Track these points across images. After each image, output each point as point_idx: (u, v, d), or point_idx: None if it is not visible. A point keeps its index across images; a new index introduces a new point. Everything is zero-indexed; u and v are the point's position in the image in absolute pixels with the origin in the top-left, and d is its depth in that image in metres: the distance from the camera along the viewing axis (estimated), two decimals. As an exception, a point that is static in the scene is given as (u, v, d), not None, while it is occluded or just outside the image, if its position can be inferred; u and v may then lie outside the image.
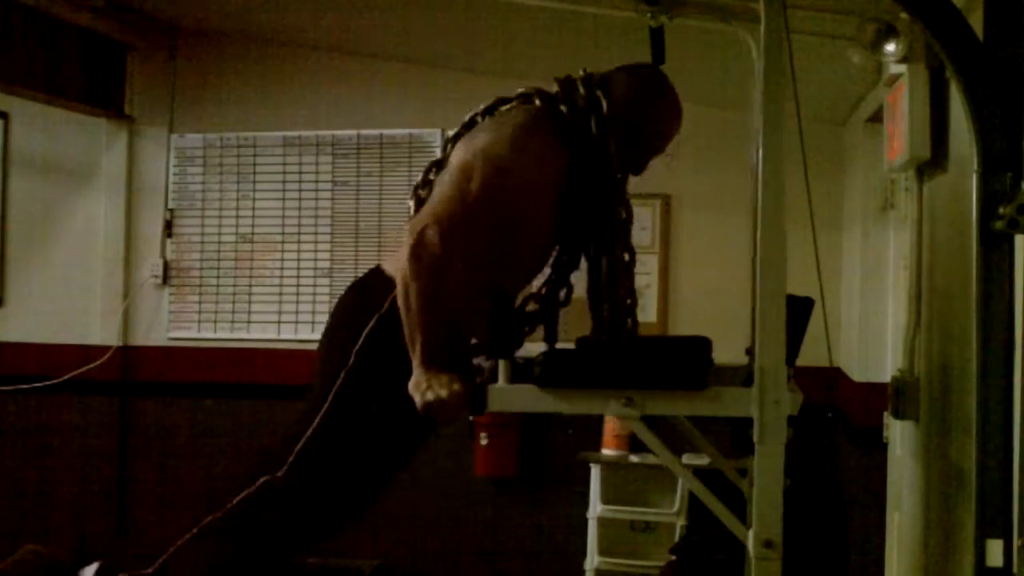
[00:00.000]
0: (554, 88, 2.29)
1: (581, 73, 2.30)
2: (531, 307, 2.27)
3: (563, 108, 2.24)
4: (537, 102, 2.26)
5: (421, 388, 2.03)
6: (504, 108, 2.29)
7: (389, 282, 2.16)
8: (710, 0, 2.22)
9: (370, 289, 2.25)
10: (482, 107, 2.31)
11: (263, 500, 2.18)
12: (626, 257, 2.38)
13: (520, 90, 2.30)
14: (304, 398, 2.26)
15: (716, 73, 3.59)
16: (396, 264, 2.19)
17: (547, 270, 2.38)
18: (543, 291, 2.37)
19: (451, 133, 2.32)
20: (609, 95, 2.26)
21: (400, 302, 2.07)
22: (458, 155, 2.20)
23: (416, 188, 2.35)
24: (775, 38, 1.88)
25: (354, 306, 2.28)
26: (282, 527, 2.21)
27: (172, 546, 2.18)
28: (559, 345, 2.32)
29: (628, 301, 2.41)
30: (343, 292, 2.37)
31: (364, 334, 2.19)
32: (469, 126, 2.29)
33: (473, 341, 2.17)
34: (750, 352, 2.04)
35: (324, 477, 2.20)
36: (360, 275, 2.37)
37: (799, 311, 2.04)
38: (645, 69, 2.36)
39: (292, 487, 2.18)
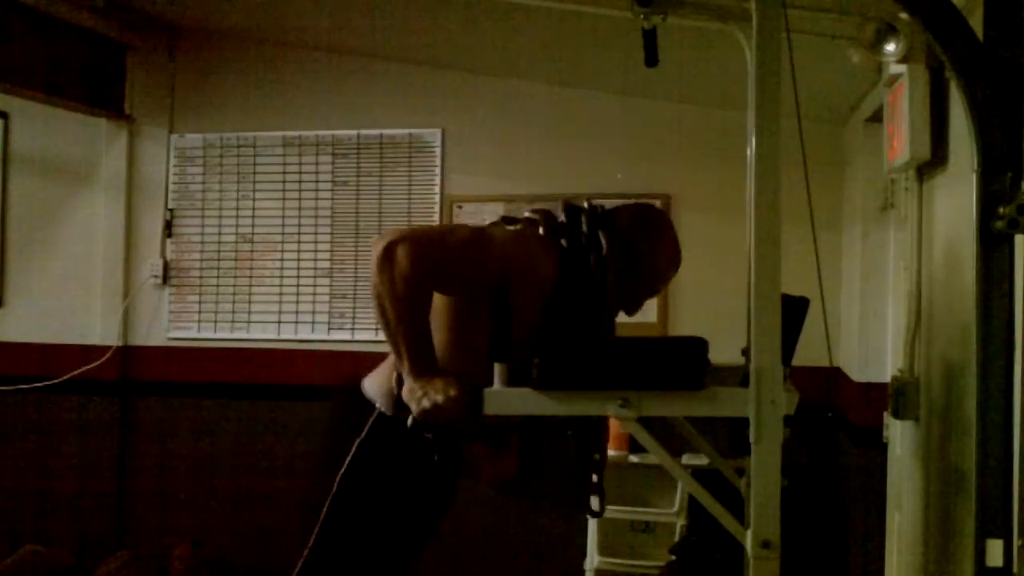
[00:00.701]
0: (561, 216, 2.30)
1: (586, 205, 2.31)
2: None
3: (563, 242, 2.25)
4: (541, 231, 2.27)
5: (416, 396, 2.04)
6: (508, 228, 2.31)
7: (369, 405, 2.24)
8: (705, 0, 2.21)
9: (353, 413, 2.29)
10: (487, 222, 2.35)
11: None
12: None
13: (527, 214, 2.32)
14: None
15: (715, 72, 3.59)
16: (377, 381, 2.27)
17: None
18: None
19: None
20: (611, 234, 2.27)
21: (378, 318, 2.10)
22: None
23: None
24: (768, 37, 1.88)
25: (336, 431, 2.34)
26: None
27: None
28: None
29: None
30: (330, 403, 2.42)
31: (347, 461, 2.24)
32: None
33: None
34: (746, 352, 2.04)
35: None
36: (344, 391, 2.38)
37: (794, 311, 2.03)
38: (649, 212, 2.40)
39: None
